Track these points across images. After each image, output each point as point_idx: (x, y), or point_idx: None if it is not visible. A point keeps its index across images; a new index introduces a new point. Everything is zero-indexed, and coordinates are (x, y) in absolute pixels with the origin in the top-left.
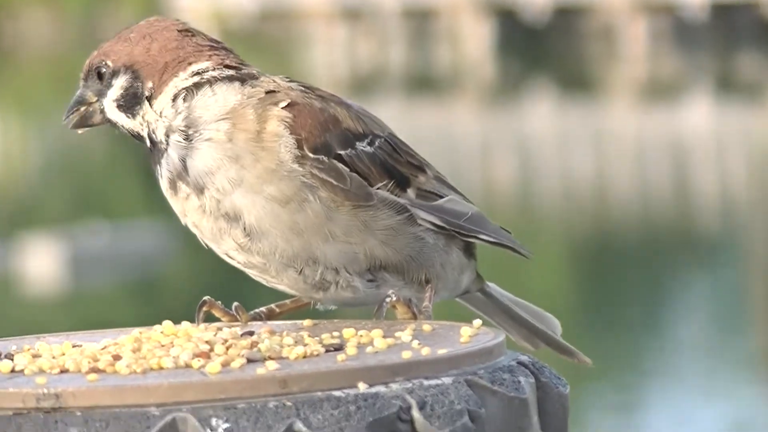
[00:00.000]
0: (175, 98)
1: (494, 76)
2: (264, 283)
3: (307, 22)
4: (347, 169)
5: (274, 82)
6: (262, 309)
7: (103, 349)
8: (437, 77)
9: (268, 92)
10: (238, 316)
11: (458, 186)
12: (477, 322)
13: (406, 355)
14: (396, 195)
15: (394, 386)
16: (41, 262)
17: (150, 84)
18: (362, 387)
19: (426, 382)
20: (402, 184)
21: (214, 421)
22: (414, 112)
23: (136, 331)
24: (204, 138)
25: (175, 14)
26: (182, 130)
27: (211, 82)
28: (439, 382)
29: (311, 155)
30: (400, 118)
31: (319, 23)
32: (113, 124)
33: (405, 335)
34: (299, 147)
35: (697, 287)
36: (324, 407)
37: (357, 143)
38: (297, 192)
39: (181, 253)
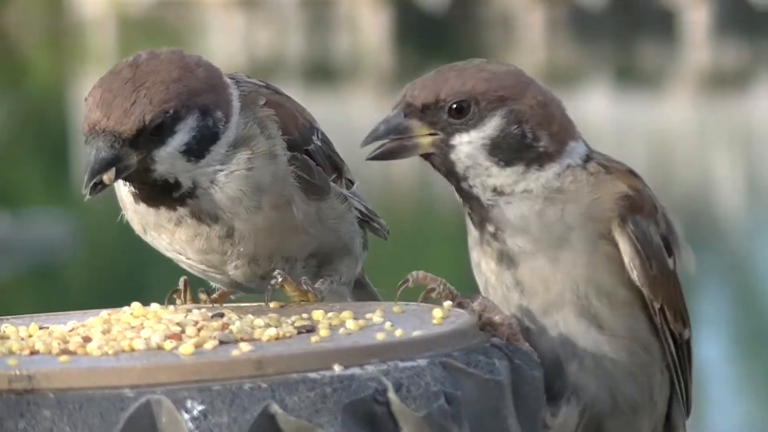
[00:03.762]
0: None
1: (392, 65)
2: (197, 273)
3: (205, 9)
4: (314, 164)
5: (245, 81)
6: (216, 295)
7: (71, 330)
8: (336, 66)
9: (247, 94)
10: (206, 300)
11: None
12: (447, 303)
13: (381, 336)
14: (339, 185)
15: (369, 368)
16: None
17: (219, 114)
18: (337, 369)
19: (401, 364)
20: (339, 174)
21: (189, 403)
22: (312, 101)
23: (104, 313)
24: (229, 171)
25: (75, 1)
26: (213, 173)
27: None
28: (414, 363)
29: (290, 153)
30: None
31: (216, 11)
32: (141, 176)
33: (376, 317)
34: (288, 147)
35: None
36: (299, 389)
37: (312, 137)
38: (290, 194)
39: (82, 242)
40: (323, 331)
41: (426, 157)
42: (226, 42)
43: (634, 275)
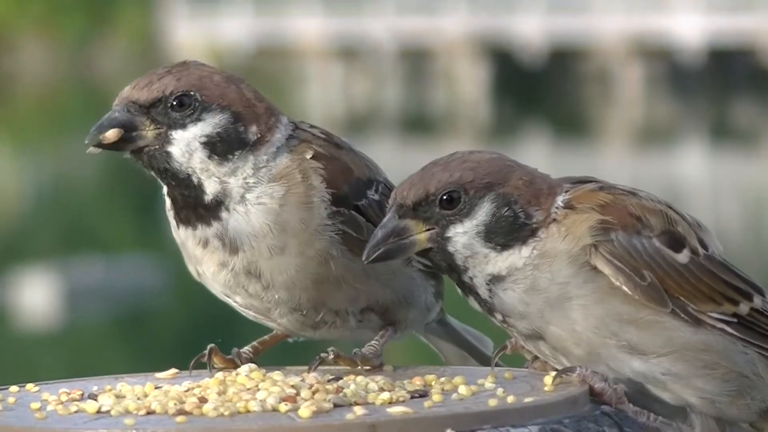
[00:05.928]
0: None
1: (489, 117)
2: (251, 318)
3: (303, 59)
4: (363, 219)
5: (303, 130)
6: (248, 349)
7: (187, 391)
8: (432, 117)
9: (300, 142)
10: (237, 362)
11: None
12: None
13: (493, 402)
14: None
15: None
16: (36, 296)
17: (254, 129)
18: None
19: (513, 430)
20: None
21: None
22: (408, 152)
23: (219, 374)
24: (257, 202)
25: (172, 49)
26: (240, 190)
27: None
28: (525, 430)
29: (335, 208)
30: (395, 158)
31: (315, 61)
32: (158, 159)
33: (488, 382)
34: (332, 201)
35: None
36: None
37: (367, 191)
38: (326, 247)
39: (172, 286)
40: (436, 396)
41: (425, 252)
42: (324, 92)
43: (625, 290)
